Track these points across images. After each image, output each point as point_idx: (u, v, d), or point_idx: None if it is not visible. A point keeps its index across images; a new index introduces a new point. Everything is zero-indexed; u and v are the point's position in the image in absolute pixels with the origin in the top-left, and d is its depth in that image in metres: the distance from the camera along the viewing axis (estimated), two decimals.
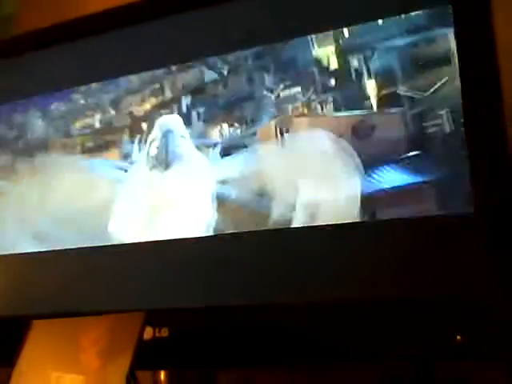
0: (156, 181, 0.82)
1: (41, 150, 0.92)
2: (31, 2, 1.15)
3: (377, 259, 0.67)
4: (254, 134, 0.77)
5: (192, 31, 0.83)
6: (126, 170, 0.84)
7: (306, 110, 0.74)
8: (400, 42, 0.71)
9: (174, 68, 0.84)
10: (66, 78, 0.92)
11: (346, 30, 0.73)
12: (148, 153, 0.83)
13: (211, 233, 0.76)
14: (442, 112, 0.67)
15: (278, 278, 0.71)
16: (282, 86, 0.76)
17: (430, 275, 0.64)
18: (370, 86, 0.71)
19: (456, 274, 0.63)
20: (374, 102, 0.71)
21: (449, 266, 0.64)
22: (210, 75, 0.81)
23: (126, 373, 0.67)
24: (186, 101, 0.82)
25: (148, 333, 0.77)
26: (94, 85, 0.89)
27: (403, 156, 0.68)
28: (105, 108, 0.88)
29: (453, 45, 0.67)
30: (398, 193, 0.67)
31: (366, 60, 0.71)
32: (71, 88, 0.91)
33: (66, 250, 0.84)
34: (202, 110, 0.81)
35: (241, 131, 0.78)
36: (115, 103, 0.87)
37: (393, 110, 0.70)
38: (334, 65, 0.74)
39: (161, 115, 0.83)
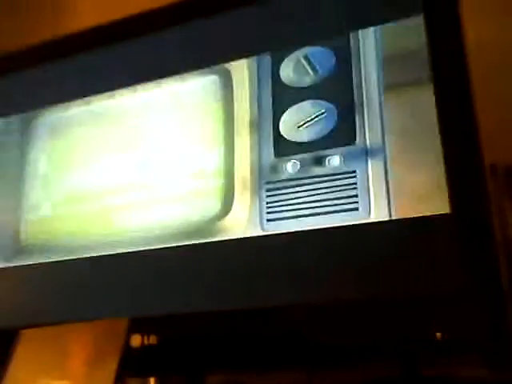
0: None
1: None
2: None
3: (358, 260, 0.68)
4: None
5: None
6: None
7: None
8: None
9: None
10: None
11: None
12: None
13: None
14: None
15: (257, 283, 0.72)
16: None
17: (409, 274, 0.66)
18: None
19: (434, 272, 0.65)
20: None
21: (427, 264, 0.65)
22: None
23: (112, 379, 0.68)
24: None
25: (137, 340, 0.78)
26: None
27: None
28: None
29: None
30: None
31: None
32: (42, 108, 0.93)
33: (51, 261, 0.85)
34: None
35: None
36: None
37: None
38: None
39: None
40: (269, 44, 0.80)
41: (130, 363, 0.77)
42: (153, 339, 0.79)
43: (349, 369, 0.75)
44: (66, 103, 0.92)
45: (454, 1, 0.70)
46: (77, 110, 0.92)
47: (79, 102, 0.91)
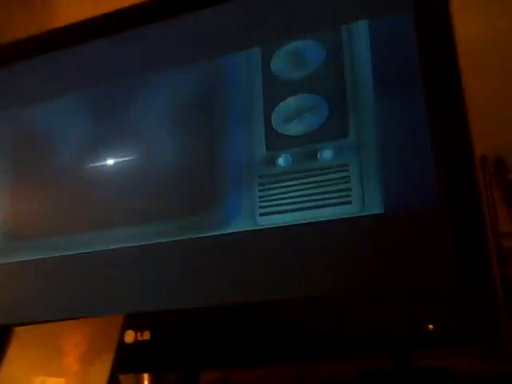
0: None
1: None
2: None
3: (352, 253, 0.68)
4: None
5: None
6: None
7: None
8: None
9: None
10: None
11: None
12: None
13: None
14: None
15: (250, 277, 0.72)
16: None
17: (402, 267, 0.66)
18: None
19: (427, 264, 0.65)
20: None
21: (421, 257, 0.66)
22: None
23: (107, 376, 0.68)
24: None
25: (130, 336, 0.78)
26: None
27: None
28: None
29: None
30: None
31: None
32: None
33: (44, 258, 0.85)
34: None
35: None
36: None
37: None
38: None
39: None
40: (259, 37, 0.80)
41: (124, 359, 0.77)
42: (146, 335, 0.79)
43: (341, 362, 0.75)
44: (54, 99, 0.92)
45: None
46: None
47: None
